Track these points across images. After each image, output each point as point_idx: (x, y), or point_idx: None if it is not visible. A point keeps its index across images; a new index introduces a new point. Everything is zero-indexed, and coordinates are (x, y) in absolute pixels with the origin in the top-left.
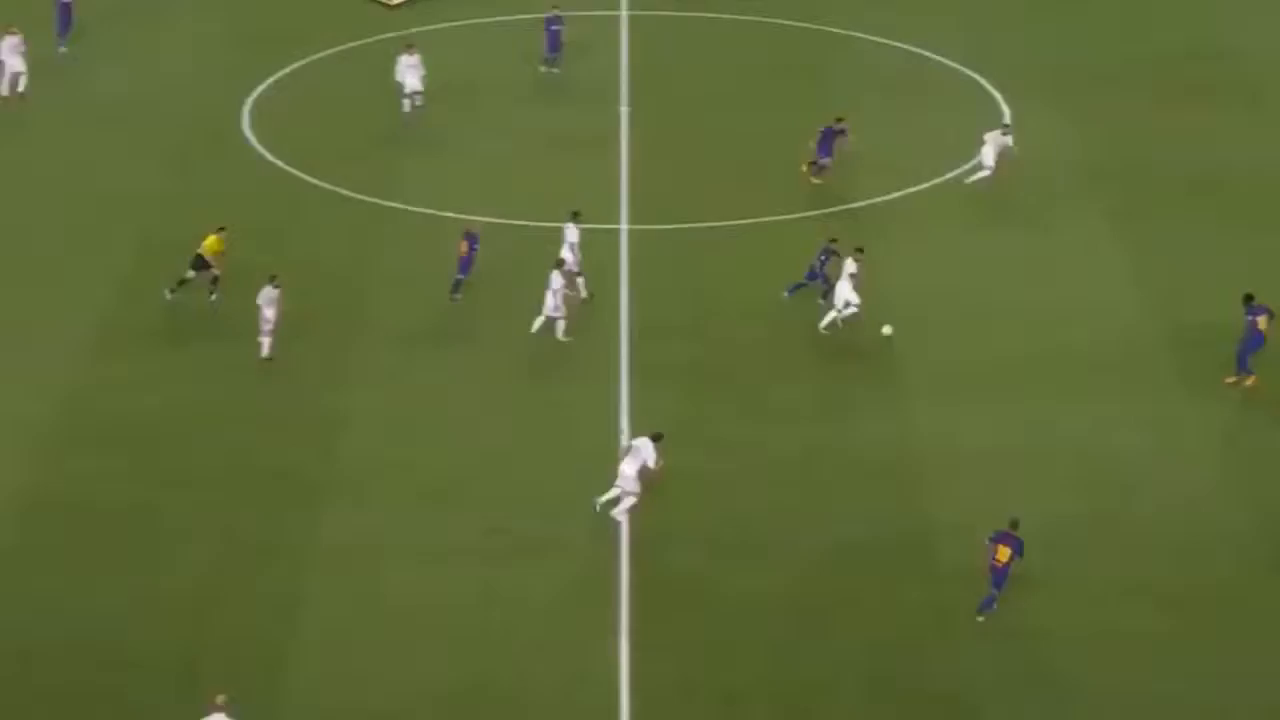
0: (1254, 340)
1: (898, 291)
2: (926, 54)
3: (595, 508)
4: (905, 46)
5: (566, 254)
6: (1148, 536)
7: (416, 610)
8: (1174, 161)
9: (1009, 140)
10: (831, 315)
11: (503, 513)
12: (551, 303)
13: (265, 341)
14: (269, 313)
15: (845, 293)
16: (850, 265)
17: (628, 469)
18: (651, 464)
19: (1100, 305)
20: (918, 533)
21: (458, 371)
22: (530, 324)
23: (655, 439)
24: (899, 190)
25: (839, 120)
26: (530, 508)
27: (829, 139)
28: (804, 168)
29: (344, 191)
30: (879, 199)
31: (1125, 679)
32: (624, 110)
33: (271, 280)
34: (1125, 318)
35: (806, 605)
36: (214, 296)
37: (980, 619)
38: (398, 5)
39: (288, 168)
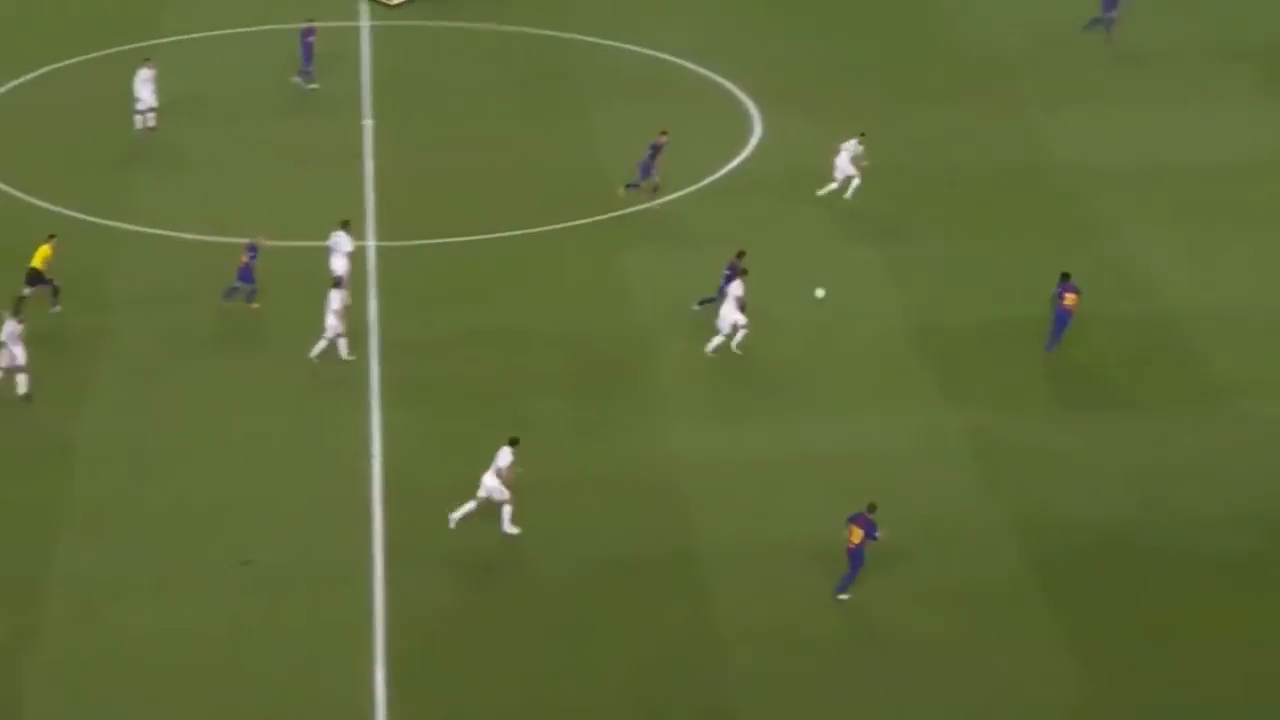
0: (1060, 317)
1: (655, 302)
2: (676, 60)
3: (451, 524)
4: (654, 53)
5: (338, 265)
6: (907, 540)
7: (161, 643)
8: (920, 164)
9: (861, 150)
10: (719, 340)
11: (251, 541)
12: (333, 324)
13: (21, 379)
14: (16, 350)
15: (731, 315)
16: (736, 287)
17: (488, 479)
18: (504, 467)
19: (858, 312)
20: (679, 550)
21: (202, 396)
22: (305, 345)
23: (512, 444)
24: (658, 199)
25: (662, 133)
26: (279, 536)
27: (653, 156)
28: (621, 190)
29: (72, 213)
30: (637, 208)
31: (888, 681)
32: (368, 124)
33: (14, 314)
34: (881, 324)
35: (568, 627)
36: (56, 308)
37: (842, 597)
38: (398, 4)
39: (9, 189)
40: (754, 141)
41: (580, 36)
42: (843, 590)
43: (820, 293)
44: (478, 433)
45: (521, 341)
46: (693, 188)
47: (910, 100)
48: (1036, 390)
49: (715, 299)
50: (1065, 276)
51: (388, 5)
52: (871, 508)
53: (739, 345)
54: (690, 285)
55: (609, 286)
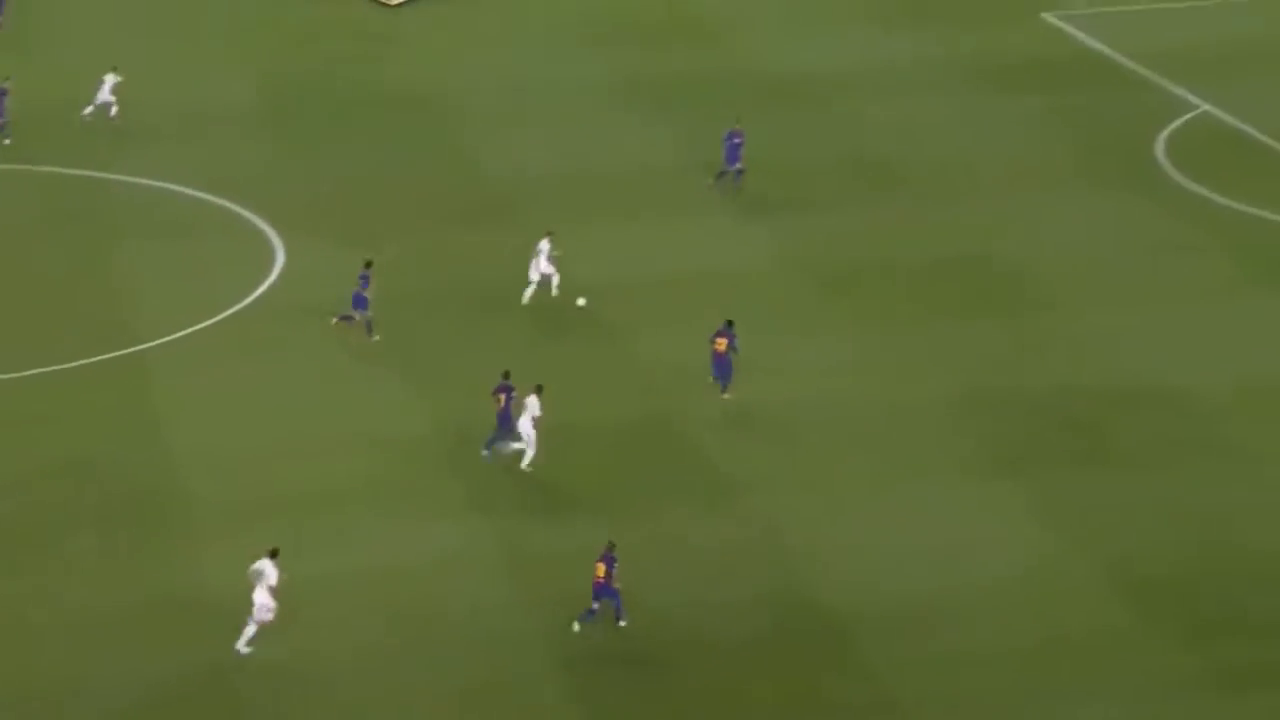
0: (717, 362)
1: (181, 431)
2: (195, 193)
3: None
4: (170, 186)
5: None
6: (448, 645)
7: None
8: (448, 283)
9: (550, 247)
10: (518, 449)
11: None
12: None
13: None
14: None
15: (525, 428)
16: (534, 404)
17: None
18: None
19: (381, 435)
20: (215, 674)
21: None
22: None
23: (538, 391)
24: (182, 329)
25: (367, 265)
26: None
27: (365, 284)
28: (334, 320)
29: None
30: (165, 338)
31: None
32: None
33: None
34: (408, 441)
35: None
36: None
37: (577, 627)
38: (398, 4)
39: None
40: (277, 270)
41: (109, 176)
42: (584, 620)
43: (581, 301)
44: (12, 569)
45: (53, 477)
46: (214, 319)
47: (437, 221)
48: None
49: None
50: (729, 324)
51: (388, 5)
52: (611, 545)
53: (529, 465)
54: (220, 414)
55: (137, 419)
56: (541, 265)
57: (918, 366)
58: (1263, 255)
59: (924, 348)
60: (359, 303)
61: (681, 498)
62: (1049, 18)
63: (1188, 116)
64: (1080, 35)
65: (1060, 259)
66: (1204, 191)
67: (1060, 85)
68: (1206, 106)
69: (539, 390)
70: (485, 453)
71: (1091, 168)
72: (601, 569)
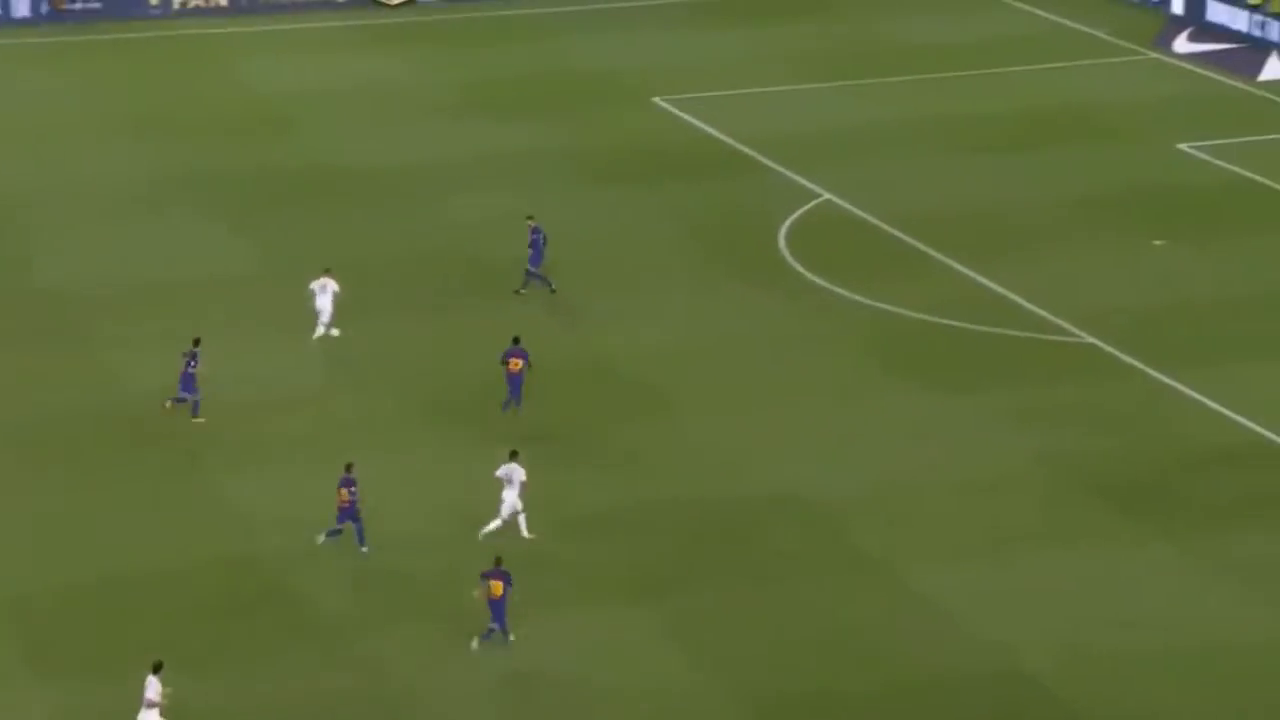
0: (511, 380)
1: None
2: None
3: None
4: None
5: None
6: None
7: None
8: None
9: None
10: (495, 525)
11: None
12: None
13: None
14: None
15: (511, 500)
16: (516, 481)
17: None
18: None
19: None
20: None
21: None
22: None
23: (514, 456)
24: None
25: (195, 344)
26: None
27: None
28: (167, 403)
29: None
30: None
31: None
32: None
33: None
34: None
35: None
36: None
37: (475, 645)
38: (399, 4)
39: None
40: None
41: None
42: (485, 639)
43: (335, 332)
44: None
45: None
46: None
47: None
48: None
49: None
50: (515, 340)
51: (389, 4)
52: (499, 560)
53: (528, 532)
54: None
55: None
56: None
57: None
58: (889, 350)
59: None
60: (187, 384)
61: None
62: (660, 102)
63: (809, 205)
64: (695, 121)
65: (666, 359)
66: (826, 284)
67: (677, 173)
68: (827, 195)
69: (515, 455)
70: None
71: (712, 260)
72: (499, 587)
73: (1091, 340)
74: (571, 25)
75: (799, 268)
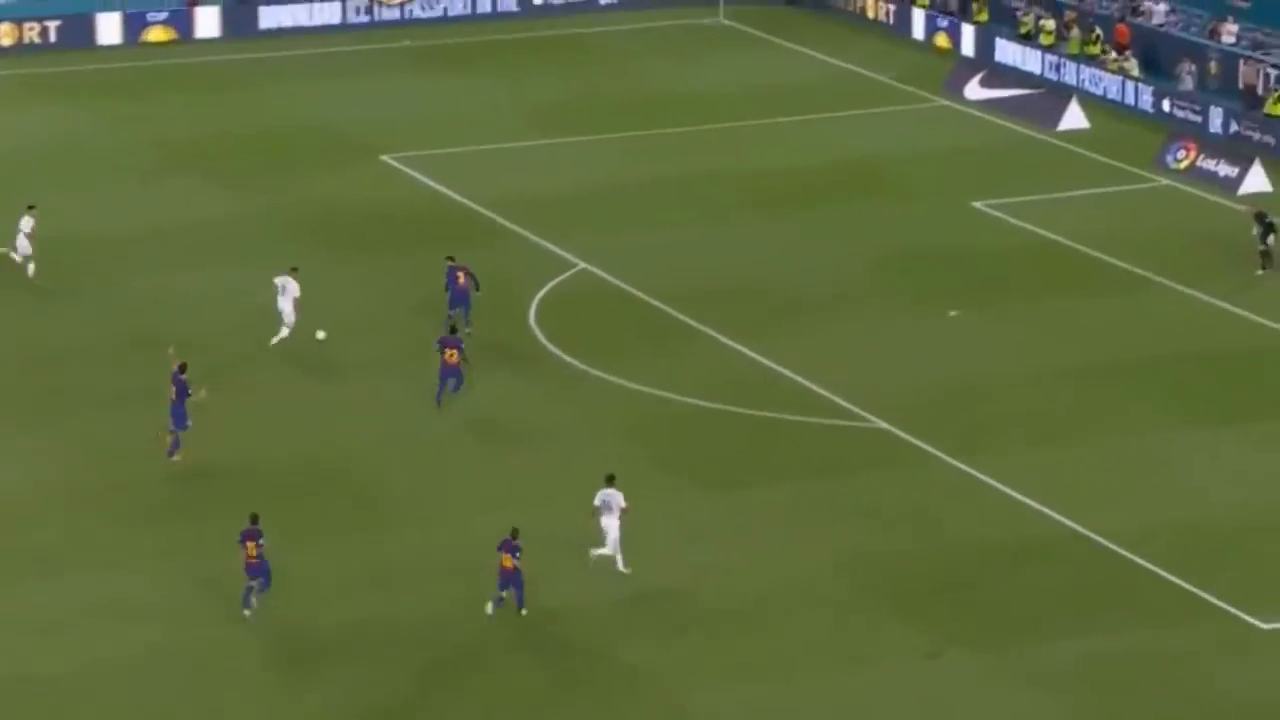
0: (448, 375)
1: None
2: None
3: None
4: None
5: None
6: None
7: None
8: None
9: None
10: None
11: None
12: None
13: None
14: None
15: (615, 528)
16: (615, 508)
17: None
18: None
19: None
20: None
21: None
22: None
23: (610, 480)
24: None
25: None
26: None
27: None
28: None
29: None
30: None
31: None
32: None
33: None
34: None
35: None
36: None
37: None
38: (398, 3)
39: None
40: None
41: None
42: (496, 605)
43: (320, 334)
44: None
45: None
46: None
47: None
48: None
49: None
50: (453, 330)
51: (389, 4)
52: (515, 533)
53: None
54: None
55: None
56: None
57: None
58: (655, 440)
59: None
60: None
61: None
62: (389, 160)
63: (563, 276)
64: (431, 182)
65: (385, 455)
66: (583, 365)
67: (410, 242)
68: (583, 264)
69: (612, 480)
70: None
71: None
72: (509, 560)
73: (882, 424)
74: (283, 72)
75: (552, 347)
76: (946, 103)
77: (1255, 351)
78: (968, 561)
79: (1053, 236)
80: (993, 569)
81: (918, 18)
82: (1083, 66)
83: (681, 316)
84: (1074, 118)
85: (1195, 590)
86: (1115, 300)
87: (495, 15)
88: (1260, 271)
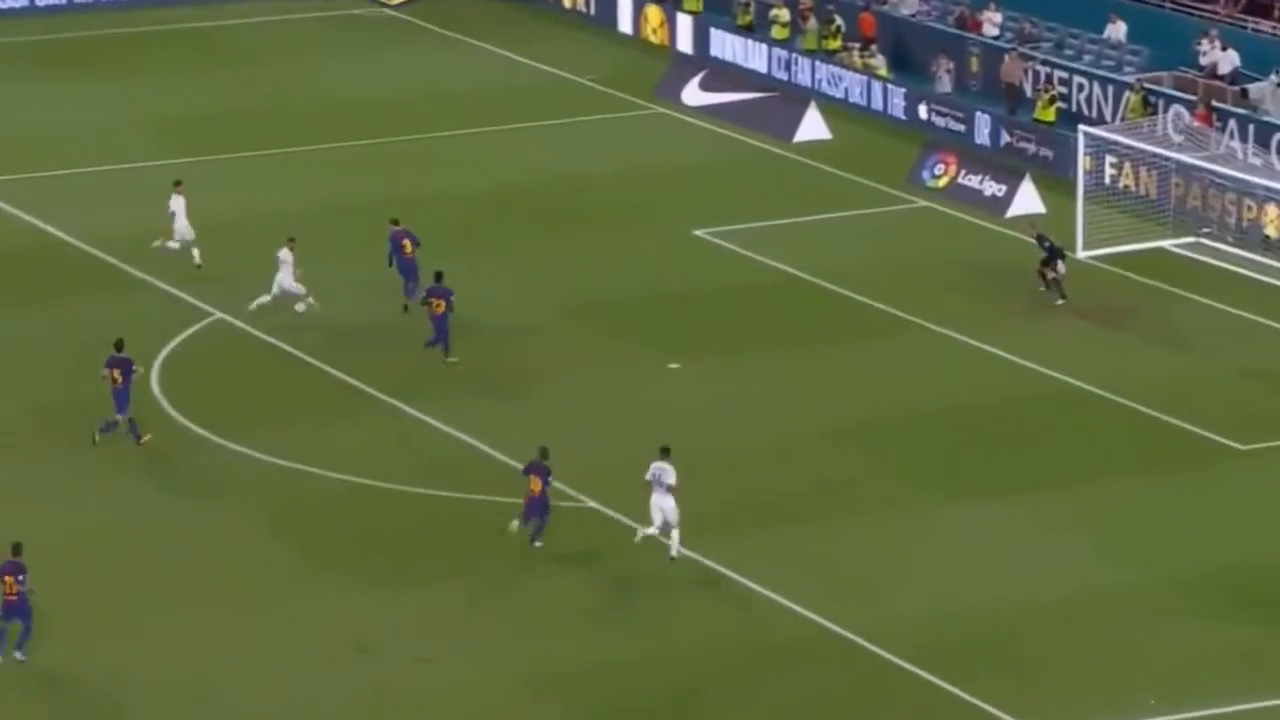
0: (437, 324)
1: None
2: None
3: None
4: None
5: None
6: None
7: None
8: None
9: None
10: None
11: None
12: None
13: None
14: None
15: (667, 506)
16: (665, 484)
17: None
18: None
19: None
20: None
21: None
22: None
23: (665, 453)
24: None
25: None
26: None
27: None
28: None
29: None
30: None
31: None
32: None
33: None
34: None
35: None
36: None
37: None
38: (399, 3)
39: None
40: None
41: None
42: (536, 534)
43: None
44: None
45: None
46: None
47: None
48: None
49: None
50: (438, 277)
51: (388, 4)
52: (544, 453)
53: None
54: None
55: None
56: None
57: None
58: (306, 529)
59: None
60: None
61: None
62: None
63: (195, 328)
64: (29, 218)
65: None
66: (218, 438)
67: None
68: (219, 313)
69: (666, 452)
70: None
71: (49, 411)
72: (537, 483)
73: (592, 504)
74: None
75: (179, 417)
76: (661, 110)
77: (1032, 405)
78: (701, 668)
79: (790, 270)
80: (730, 676)
81: (624, 6)
82: (821, 64)
83: (343, 376)
84: (813, 126)
85: (955, 691)
86: (866, 346)
87: (95, 6)
88: (1061, 301)
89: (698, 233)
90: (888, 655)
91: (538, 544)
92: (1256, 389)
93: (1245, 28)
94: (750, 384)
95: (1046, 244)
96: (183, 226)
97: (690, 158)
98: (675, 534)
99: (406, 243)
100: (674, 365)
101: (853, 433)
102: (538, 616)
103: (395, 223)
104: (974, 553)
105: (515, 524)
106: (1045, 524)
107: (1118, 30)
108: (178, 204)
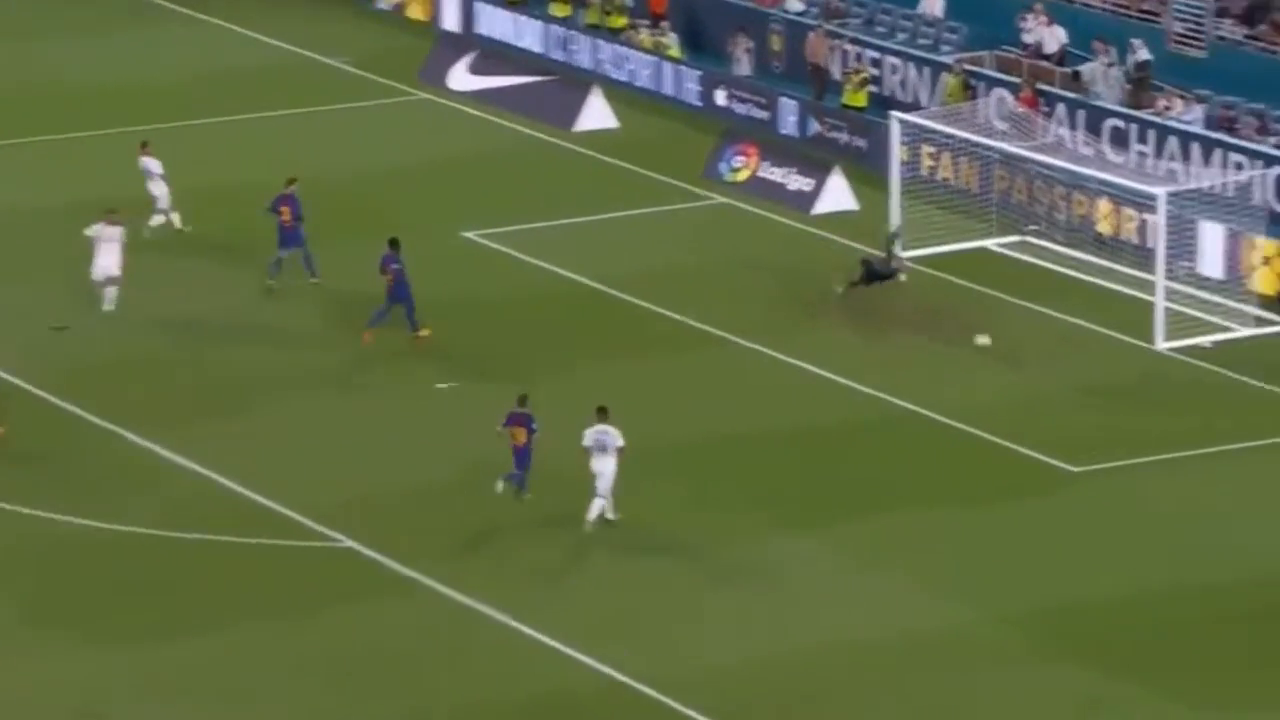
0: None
1: None
2: None
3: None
4: None
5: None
6: None
7: None
8: None
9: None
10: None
11: None
12: None
13: None
14: None
15: (609, 473)
16: (611, 447)
17: (605, 465)
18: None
19: None
20: None
21: None
22: None
23: (602, 414)
24: None
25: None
26: None
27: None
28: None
29: None
30: None
31: None
32: None
33: None
34: None
35: None
36: None
37: (502, 486)
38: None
39: None
40: None
41: None
42: (514, 481)
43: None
44: None
45: None
46: None
47: None
48: None
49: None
50: (393, 243)
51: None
52: (522, 400)
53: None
54: None
55: None
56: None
57: None
58: (32, 588)
59: None
60: None
61: None
62: None
63: None
64: None
65: None
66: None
67: None
68: None
69: (604, 413)
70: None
71: None
72: (521, 434)
73: (348, 543)
74: None
75: None
76: (426, 96)
77: (846, 426)
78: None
79: (573, 276)
80: None
81: None
82: (604, 44)
83: (76, 409)
84: (597, 114)
85: None
86: (658, 363)
87: None
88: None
89: (467, 234)
90: (683, 708)
91: (526, 495)
92: (1089, 404)
93: (1073, 1)
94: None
95: (871, 269)
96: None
97: (458, 150)
98: (607, 501)
99: (285, 209)
100: (441, 385)
101: (644, 459)
102: (291, 671)
103: (290, 182)
104: (782, 593)
105: (500, 484)
106: (862, 559)
107: (934, 5)
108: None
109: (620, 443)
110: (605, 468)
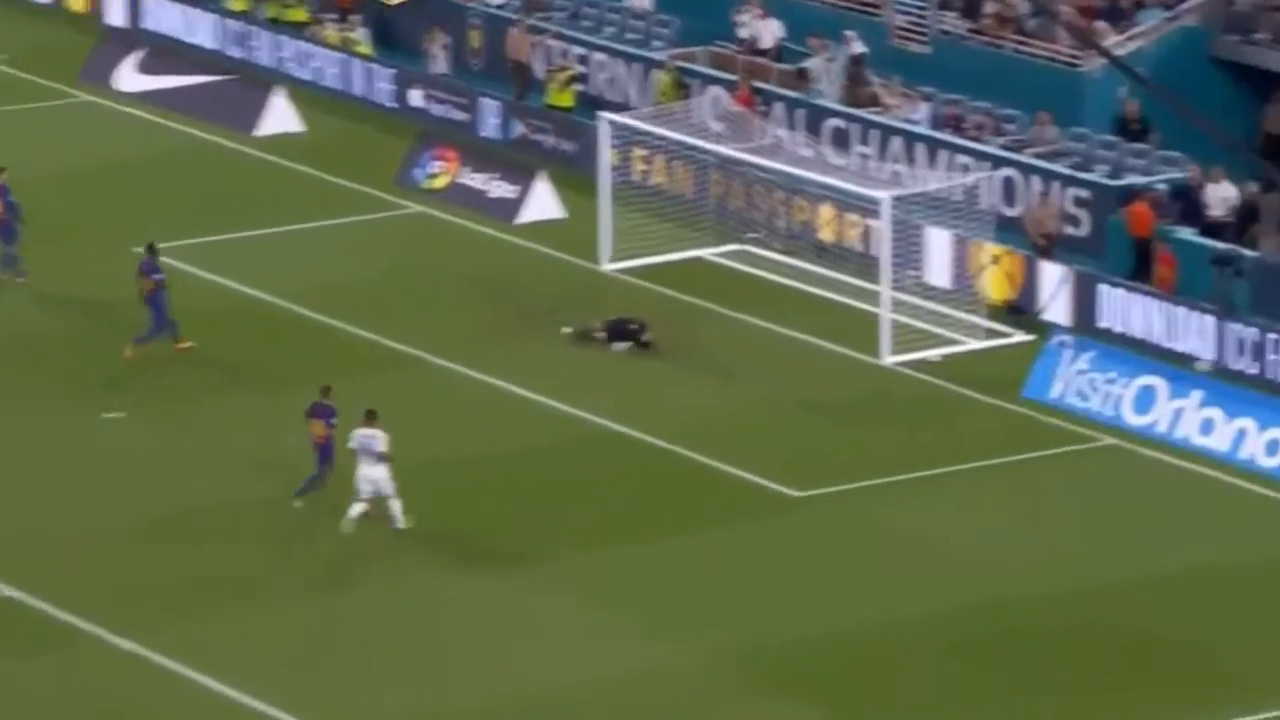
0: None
1: None
2: None
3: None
4: None
5: None
6: None
7: None
8: None
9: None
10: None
11: None
12: None
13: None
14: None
15: (374, 476)
16: (375, 450)
17: (374, 470)
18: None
19: None
20: None
21: None
22: None
23: (371, 418)
24: None
25: None
26: None
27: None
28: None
29: None
30: None
31: None
32: None
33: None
34: None
35: None
36: None
37: (298, 504)
38: (398, 4)
39: None
40: None
41: None
42: (304, 493)
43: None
44: None
45: None
46: None
47: None
48: None
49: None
50: (151, 249)
51: (388, 5)
52: (325, 391)
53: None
54: None
55: None
56: None
57: None
58: None
59: None
60: None
61: None
62: None
63: None
64: None
65: None
66: None
67: None
68: None
69: (373, 416)
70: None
71: None
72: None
73: (9, 592)
74: None
75: None
76: (88, 98)
77: (552, 450)
78: None
79: (255, 293)
80: None
81: None
82: (287, 40)
83: None
84: (280, 117)
85: None
86: (351, 385)
87: None
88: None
89: (139, 249)
90: None
91: (297, 503)
92: (812, 424)
93: None
94: (209, 434)
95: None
96: None
97: (126, 156)
98: (395, 505)
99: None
100: (111, 414)
101: (329, 492)
102: None
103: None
104: (477, 635)
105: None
106: (566, 596)
107: None
108: None
109: (383, 448)
110: (375, 473)
